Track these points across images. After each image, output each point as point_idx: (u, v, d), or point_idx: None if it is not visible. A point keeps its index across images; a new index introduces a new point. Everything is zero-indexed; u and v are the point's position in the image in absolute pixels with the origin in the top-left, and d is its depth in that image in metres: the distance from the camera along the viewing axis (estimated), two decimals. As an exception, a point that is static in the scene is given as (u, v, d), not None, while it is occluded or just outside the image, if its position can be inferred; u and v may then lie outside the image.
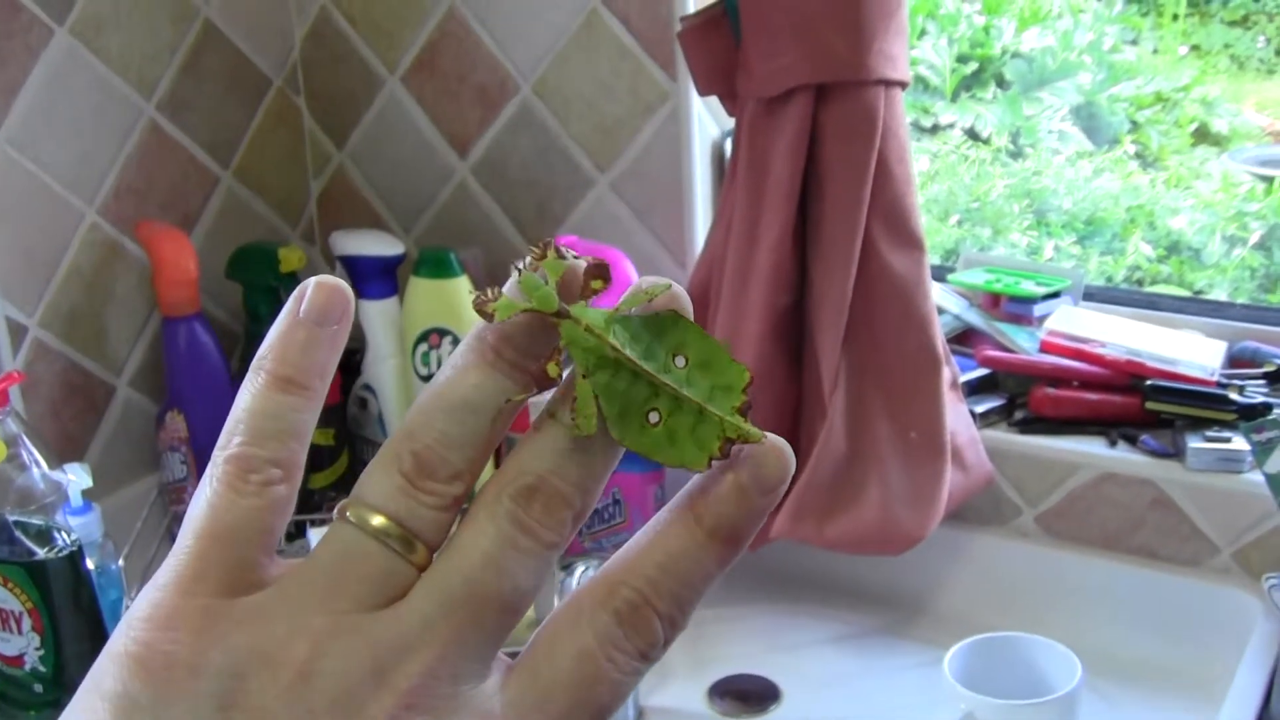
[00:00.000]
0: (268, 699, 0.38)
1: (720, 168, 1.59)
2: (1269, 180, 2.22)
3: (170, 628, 0.39)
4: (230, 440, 0.41)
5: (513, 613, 0.41)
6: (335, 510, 0.41)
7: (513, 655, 0.42)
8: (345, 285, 0.43)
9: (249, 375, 0.43)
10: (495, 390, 0.42)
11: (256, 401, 0.42)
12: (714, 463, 0.41)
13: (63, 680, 1.24)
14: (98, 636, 1.26)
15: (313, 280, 0.43)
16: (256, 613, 0.39)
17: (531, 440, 0.42)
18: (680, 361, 0.42)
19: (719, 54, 1.41)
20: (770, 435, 0.41)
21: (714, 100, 1.49)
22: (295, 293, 0.43)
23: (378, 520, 0.40)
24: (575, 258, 0.42)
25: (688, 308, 0.43)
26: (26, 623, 1.22)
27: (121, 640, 0.39)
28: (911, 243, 1.38)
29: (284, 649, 0.39)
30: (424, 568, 0.41)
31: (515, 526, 0.40)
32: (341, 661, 0.39)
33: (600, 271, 0.42)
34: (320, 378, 0.43)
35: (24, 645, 1.23)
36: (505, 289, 0.42)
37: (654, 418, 0.41)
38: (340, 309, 0.43)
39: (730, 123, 1.48)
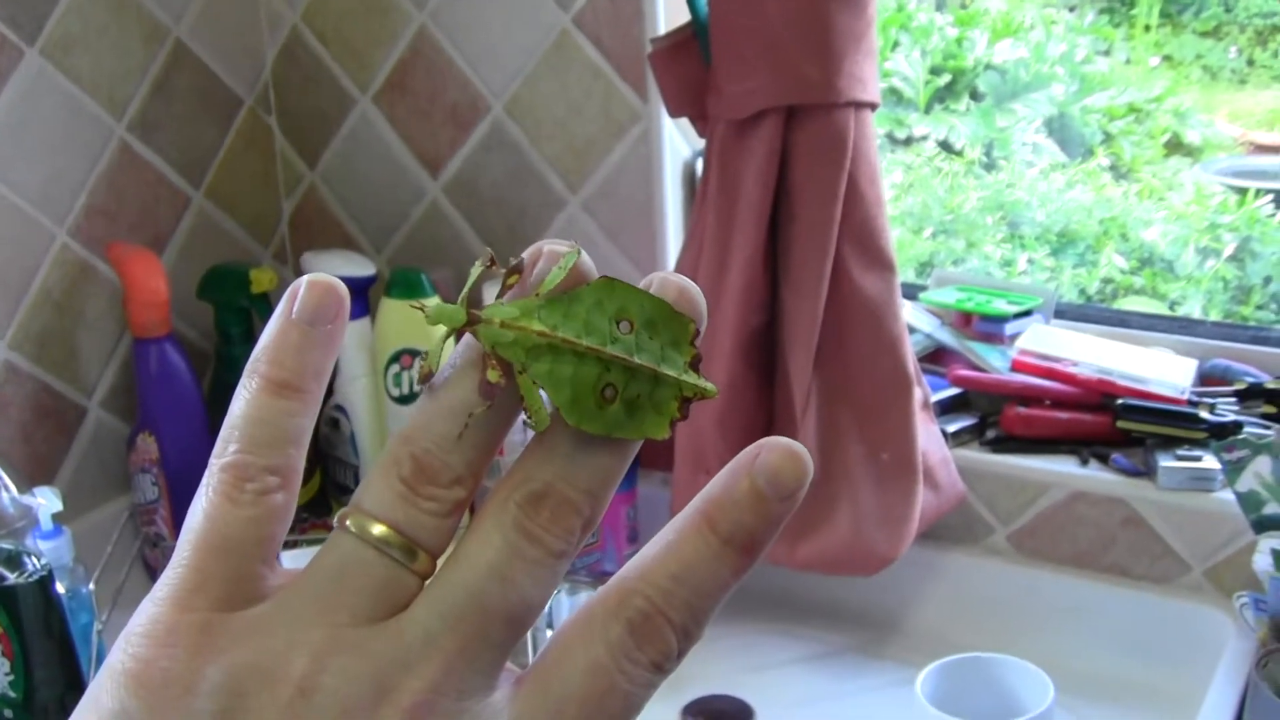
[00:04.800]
0: (267, 716, 0.37)
1: (692, 188, 1.59)
2: (1241, 191, 2.23)
3: (167, 644, 0.38)
4: (226, 448, 0.40)
5: (520, 625, 0.40)
6: (335, 518, 0.40)
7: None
8: (338, 282, 0.42)
9: (243, 380, 0.41)
10: (500, 375, 0.41)
11: (251, 408, 0.41)
12: (674, 425, 0.41)
13: (33, 706, 1.23)
14: (69, 661, 1.25)
15: (304, 279, 0.42)
16: (255, 627, 0.39)
17: (538, 444, 0.41)
18: (625, 327, 0.41)
19: (689, 76, 1.41)
20: (786, 440, 0.40)
21: (685, 121, 1.49)
22: (288, 292, 0.42)
23: (377, 529, 0.39)
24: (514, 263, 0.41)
25: (594, 269, 0.42)
26: (-4, 649, 1.22)
27: (119, 656, 0.38)
28: (882, 264, 1.38)
29: (283, 665, 0.38)
30: (426, 576, 0.40)
31: (522, 535, 0.39)
32: (342, 678, 0.38)
33: (515, 267, 0.41)
34: (316, 379, 0.42)
35: (-6, 672, 1.23)
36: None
37: (609, 394, 0.40)
38: (334, 308, 0.42)
39: (702, 143, 1.48)
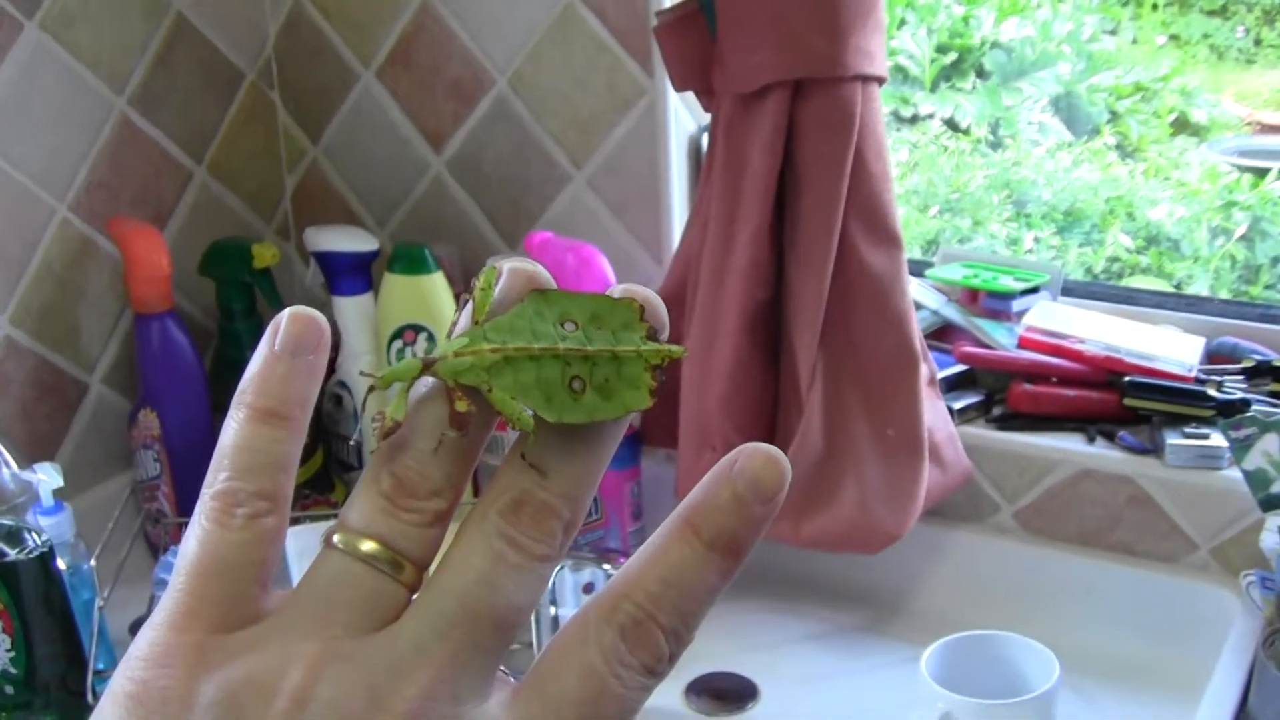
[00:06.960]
0: None
1: (697, 163, 1.58)
2: (1248, 171, 2.22)
3: (164, 665, 0.39)
4: (216, 477, 0.42)
5: (509, 629, 0.41)
6: (322, 537, 0.42)
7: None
8: (318, 314, 0.44)
9: (231, 410, 0.43)
10: (468, 403, 0.42)
11: (239, 436, 0.42)
12: (654, 394, 0.42)
13: (34, 682, 1.23)
14: (69, 638, 1.25)
15: (287, 312, 0.44)
16: (249, 644, 0.40)
17: (513, 457, 0.42)
18: (570, 326, 0.43)
19: (695, 50, 1.40)
20: (764, 445, 0.41)
21: (691, 95, 1.48)
22: (271, 325, 0.44)
23: (362, 543, 0.41)
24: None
25: (546, 278, 0.44)
26: (-3, 625, 1.21)
27: (119, 680, 0.40)
28: (889, 240, 1.38)
29: (278, 678, 0.39)
30: (414, 587, 0.41)
31: (504, 542, 0.41)
32: (337, 687, 0.39)
33: (459, 304, 0.44)
34: (301, 407, 0.43)
35: (-5, 647, 1.22)
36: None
37: (578, 385, 0.42)
38: (315, 338, 0.43)
39: (707, 117, 1.47)
